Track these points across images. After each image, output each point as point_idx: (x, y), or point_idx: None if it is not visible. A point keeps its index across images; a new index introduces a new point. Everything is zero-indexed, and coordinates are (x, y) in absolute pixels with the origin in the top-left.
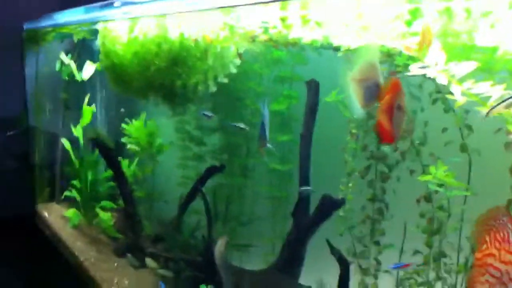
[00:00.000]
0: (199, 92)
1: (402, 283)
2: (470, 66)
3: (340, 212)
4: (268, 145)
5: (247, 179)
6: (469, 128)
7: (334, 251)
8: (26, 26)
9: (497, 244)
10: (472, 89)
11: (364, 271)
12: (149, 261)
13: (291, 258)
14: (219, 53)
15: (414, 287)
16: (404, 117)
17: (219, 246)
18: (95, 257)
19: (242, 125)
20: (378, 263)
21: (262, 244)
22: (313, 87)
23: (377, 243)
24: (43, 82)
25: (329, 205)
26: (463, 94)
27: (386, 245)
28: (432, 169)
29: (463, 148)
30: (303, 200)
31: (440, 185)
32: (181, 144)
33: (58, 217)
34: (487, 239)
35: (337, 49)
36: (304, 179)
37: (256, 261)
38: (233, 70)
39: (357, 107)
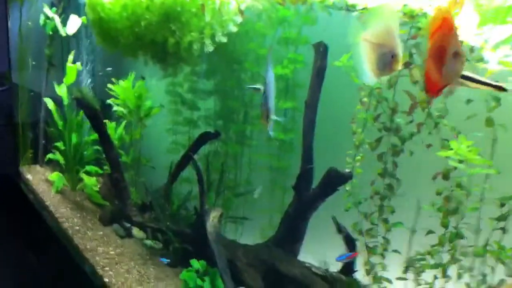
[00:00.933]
0: (193, 52)
1: (412, 263)
2: (507, 30)
3: (347, 187)
4: (273, 117)
5: (244, 147)
6: (497, 100)
7: (340, 229)
8: None
9: None
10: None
11: (371, 250)
12: (136, 231)
13: (290, 233)
14: (218, 9)
15: (425, 269)
16: (461, 67)
17: (212, 218)
18: (80, 225)
19: (257, 86)
20: (387, 241)
21: (259, 217)
22: (321, 51)
23: (385, 220)
24: (28, 36)
25: (335, 179)
26: (498, 62)
27: (394, 223)
28: (454, 144)
29: (489, 123)
30: (306, 172)
31: (460, 161)
32: (173, 108)
33: (41, 180)
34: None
35: (351, 8)
36: (307, 150)
37: (252, 234)
38: (233, 29)
39: (367, 74)
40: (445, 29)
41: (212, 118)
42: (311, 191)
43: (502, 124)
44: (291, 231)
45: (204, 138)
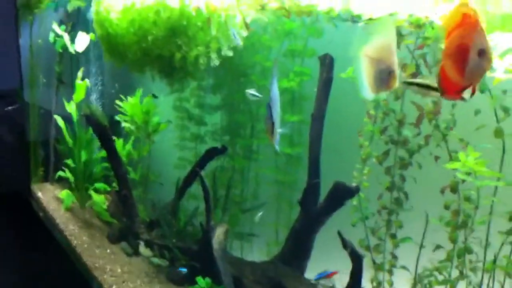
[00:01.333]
0: (200, 66)
1: (420, 280)
2: None
3: (354, 201)
4: (279, 130)
5: (250, 162)
6: (506, 110)
7: (346, 244)
8: None
9: None
10: None
11: (378, 267)
12: (143, 248)
13: (297, 250)
14: (223, 23)
15: (434, 285)
16: (488, 65)
17: (218, 235)
18: (88, 242)
19: (255, 92)
20: (394, 258)
21: (266, 234)
22: (327, 63)
23: (393, 236)
24: (38, 54)
25: (342, 193)
26: (506, 71)
27: (403, 239)
28: (461, 156)
29: (498, 133)
30: (313, 187)
31: (468, 174)
32: (179, 123)
33: (51, 198)
34: None
35: (357, 19)
36: (314, 164)
37: (259, 251)
38: (239, 42)
39: (366, 89)
40: (466, 26)
41: (218, 133)
42: (318, 206)
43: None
44: (298, 247)
45: (211, 154)
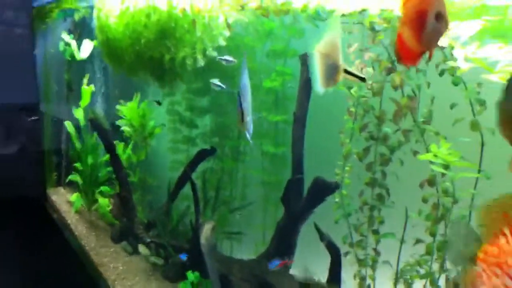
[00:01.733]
0: (187, 67)
1: (402, 274)
2: (474, 26)
3: (336, 198)
4: (249, 118)
5: (238, 163)
6: (482, 103)
7: (323, 237)
8: (34, 3)
9: None
10: (477, 54)
11: (361, 262)
12: (141, 247)
13: (281, 247)
14: (208, 24)
15: (415, 279)
16: (445, 29)
17: (205, 231)
18: (94, 242)
19: (218, 83)
20: (377, 253)
21: (253, 232)
22: (307, 62)
23: (375, 231)
24: (50, 63)
25: (322, 189)
26: (466, 59)
27: (384, 234)
28: (433, 147)
29: (474, 127)
30: (294, 184)
31: (446, 167)
32: (172, 127)
33: (64, 201)
34: (506, 231)
35: (329, 15)
36: (297, 162)
37: (247, 250)
38: (222, 43)
39: (318, 83)
40: None
41: (208, 135)
42: (299, 203)
43: (490, 128)
44: (282, 244)
45: (202, 155)
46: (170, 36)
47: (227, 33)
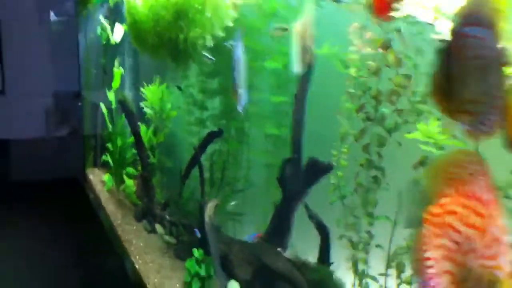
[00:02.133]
0: (198, 47)
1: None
2: None
3: (332, 180)
4: (241, 90)
5: (243, 145)
6: None
7: (312, 216)
8: None
9: (463, 201)
10: None
11: (354, 245)
12: (157, 226)
13: (279, 228)
14: (216, 4)
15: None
16: None
17: (209, 209)
18: (121, 220)
19: (208, 55)
20: (370, 236)
21: (256, 213)
22: None
23: (370, 214)
24: (90, 48)
25: (316, 170)
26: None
27: (378, 217)
28: (421, 125)
29: None
30: (289, 164)
31: (440, 148)
32: (187, 109)
33: (98, 181)
34: (449, 191)
35: None
36: (296, 144)
37: (249, 231)
38: (230, 23)
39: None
40: None
41: (217, 117)
42: (296, 184)
43: None
44: (279, 225)
45: (211, 137)
46: (184, 16)
47: (233, 13)
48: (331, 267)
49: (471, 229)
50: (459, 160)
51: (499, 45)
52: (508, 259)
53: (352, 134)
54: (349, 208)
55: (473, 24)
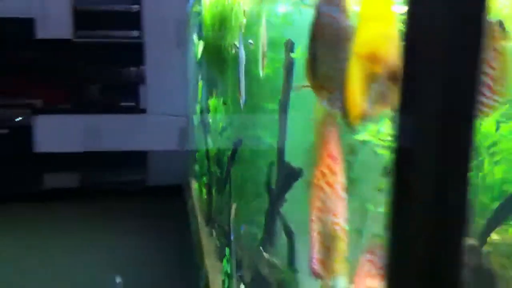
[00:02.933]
0: (229, 55)
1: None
2: None
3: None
4: (241, 85)
5: None
6: None
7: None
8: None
9: (328, 161)
10: None
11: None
12: (213, 230)
13: (268, 234)
14: (236, 12)
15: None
16: None
17: (231, 212)
18: (198, 224)
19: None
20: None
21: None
22: (289, 48)
23: None
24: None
25: (288, 175)
26: None
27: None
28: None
29: None
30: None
31: None
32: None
33: (193, 188)
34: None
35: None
36: (280, 149)
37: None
38: (243, 30)
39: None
40: None
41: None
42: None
43: None
44: (268, 231)
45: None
46: (223, 24)
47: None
48: None
49: (329, 188)
50: (323, 121)
51: (348, 23)
52: (344, 216)
53: None
54: None
55: (328, 3)
